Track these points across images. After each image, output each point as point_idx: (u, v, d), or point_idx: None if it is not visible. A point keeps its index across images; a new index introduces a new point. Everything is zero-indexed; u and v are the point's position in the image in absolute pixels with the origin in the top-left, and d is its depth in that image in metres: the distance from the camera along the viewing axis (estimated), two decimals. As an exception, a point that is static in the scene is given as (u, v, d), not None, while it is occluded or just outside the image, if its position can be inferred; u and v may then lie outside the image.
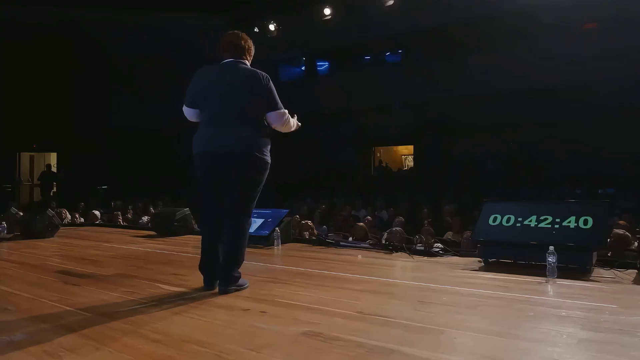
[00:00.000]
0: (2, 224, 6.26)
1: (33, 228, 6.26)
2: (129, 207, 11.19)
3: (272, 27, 13.37)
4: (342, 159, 16.80)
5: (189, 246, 5.60)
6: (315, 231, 7.30)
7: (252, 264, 4.33)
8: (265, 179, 3.21)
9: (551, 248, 3.61)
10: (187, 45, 13.88)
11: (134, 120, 14.47)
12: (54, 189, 14.44)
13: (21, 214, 6.79)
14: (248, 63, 3.25)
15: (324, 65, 17.54)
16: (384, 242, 7.29)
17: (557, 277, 3.52)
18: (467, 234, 6.63)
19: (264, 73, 3.16)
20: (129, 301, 2.95)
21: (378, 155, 18.50)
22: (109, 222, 9.95)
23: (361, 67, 16.32)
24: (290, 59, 17.42)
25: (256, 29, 13.32)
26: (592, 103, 11.97)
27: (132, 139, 14.64)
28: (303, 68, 18.10)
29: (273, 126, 3.24)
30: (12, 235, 6.46)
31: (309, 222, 7.38)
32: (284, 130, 3.32)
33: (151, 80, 14.37)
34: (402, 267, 4.20)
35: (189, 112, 3.27)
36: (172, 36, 13.94)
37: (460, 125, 14.59)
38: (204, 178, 3.17)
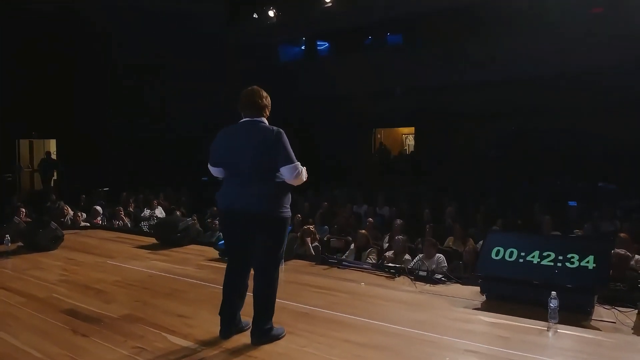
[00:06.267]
0: (5, 237, 6.28)
1: (37, 241, 6.29)
2: (131, 200, 11.19)
3: (271, 13, 13.06)
4: (342, 141, 16.67)
5: (191, 264, 5.64)
6: (317, 235, 7.34)
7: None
8: (287, 231, 3.38)
9: (553, 293, 3.63)
10: (185, 30, 13.66)
11: (134, 108, 14.32)
12: (54, 177, 14.43)
13: (24, 224, 6.79)
14: (265, 120, 3.36)
15: (324, 45, 17.23)
16: (385, 247, 7.43)
17: (558, 322, 3.55)
18: (470, 245, 6.69)
19: (275, 128, 3.27)
20: (137, 363, 3.01)
21: (379, 136, 18.38)
22: (111, 216, 9.98)
23: (362, 50, 16.03)
24: (291, 41, 17.08)
25: (255, 15, 13.03)
26: (598, 91, 11.80)
27: (132, 125, 14.52)
28: (303, 47, 17.77)
29: (286, 180, 3.26)
30: (15, 246, 6.48)
31: (311, 227, 7.38)
32: (295, 183, 3.31)
33: (152, 69, 14.23)
34: (403, 303, 4.22)
35: (213, 171, 3.46)
36: (170, 21, 13.69)
37: (461, 111, 14.43)
38: (228, 232, 3.42)
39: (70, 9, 13.28)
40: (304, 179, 3.36)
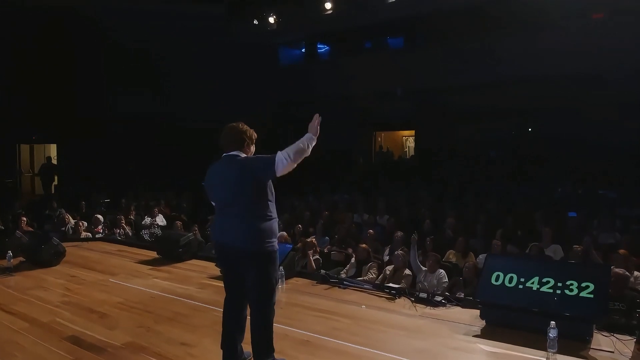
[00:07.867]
0: (8, 252, 6.30)
1: (39, 257, 6.33)
2: (132, 207, 11.20)
3: (271, 19, 13.02)
4: (343, 143, 16.67)
5: (193, 283, 5.68)
6: (318, 248, 7.37)
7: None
8: (277, 263, 3.38)
9: (552, 323, 3.66)
10: (185, 30, 13.69)
11: (134, 110, 14.33)
12: (55, 182, 14.46)
13: (26, 239, 6.81)
14: (243, 153, 3.34)
15: (325, 48, 17.23)
16: (386, 259, 7.45)
17: (557, 351, 3.59)
18: (470, 260, 6.72)
19: (248, 156, 3.33)
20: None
21: (379, 139, 18.40)
22: (112, 224, 10.00)
23: (362, 52, 16.03)
24: (291, 43, 17.08)
25: (255, 22, 13.01)
26: (598, 94, 11.76)
27: (132, 128, 14.53)
28: (303, 50, 17.78)
29: (291, 168, 3.15)
30: (17, 261, 6.50)
31: (313, 240, 7.43)
32: (299, 161, 3.17)
33: (151, 68, 14.22)
34: (404, 329, 4.25)
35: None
36: (170, 21, 13.69)
37: (462, 112, 14.45)
38: (222, 266, 3.57)
39: (70, 10, 13.27)
40: (306, 149, 3.18)
